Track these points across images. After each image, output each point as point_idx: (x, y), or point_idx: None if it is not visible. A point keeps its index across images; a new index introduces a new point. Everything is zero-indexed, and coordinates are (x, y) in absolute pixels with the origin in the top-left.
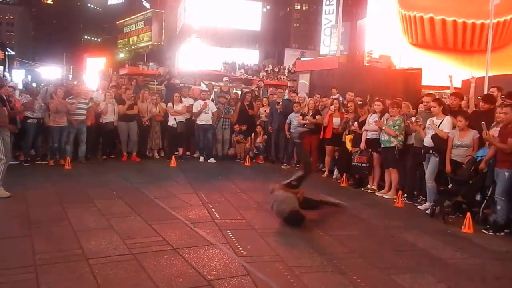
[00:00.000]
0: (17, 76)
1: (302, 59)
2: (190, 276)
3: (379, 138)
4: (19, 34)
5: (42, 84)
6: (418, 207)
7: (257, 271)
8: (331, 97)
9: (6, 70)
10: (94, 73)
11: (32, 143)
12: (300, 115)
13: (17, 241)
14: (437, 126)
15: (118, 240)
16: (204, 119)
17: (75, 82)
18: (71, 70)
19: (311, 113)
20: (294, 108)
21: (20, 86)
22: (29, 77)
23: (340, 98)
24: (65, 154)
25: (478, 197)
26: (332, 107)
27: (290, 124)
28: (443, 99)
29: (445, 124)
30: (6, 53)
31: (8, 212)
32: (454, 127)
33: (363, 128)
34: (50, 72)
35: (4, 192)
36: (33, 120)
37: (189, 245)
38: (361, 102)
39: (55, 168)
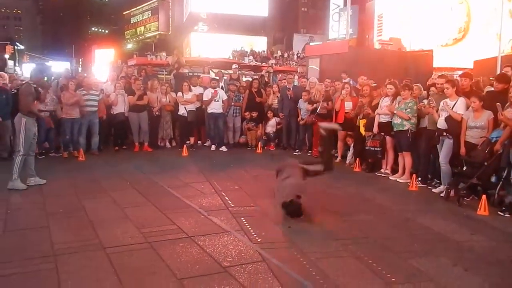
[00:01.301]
0: (28, 70)
1: (311, 44)
2: (206, 263)
3: (391, 121)
4: (27, 28)
5: (53, 77)
6: (433, 190)
7: (272, 257)
8: (342, 81)
9: (17, 64)
10: (103, 64)
11: (46, 135)
12: (308, 103)
13: (35, 232)
14: (451, 108)
15: (134, 229)
16: (215, 107)
17: (85, 74)
18: (80, 63)
19: (322, 100)
20: (303, 97)
21: None
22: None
23: (351, 82)
24: (78, 146)
25: (493, 179)
26: (343, 91)
27: (301, 109)
28: (456, 80)
29: (459, 106)
30: (16, 47)
31: (25, 204)
32: (468, 108)
33: (376, 112)
34: (60, 65)
35: (21, 184)
36: (45, 113)
37: (204, 232)
38: (374, 84)
39: (69, 160)
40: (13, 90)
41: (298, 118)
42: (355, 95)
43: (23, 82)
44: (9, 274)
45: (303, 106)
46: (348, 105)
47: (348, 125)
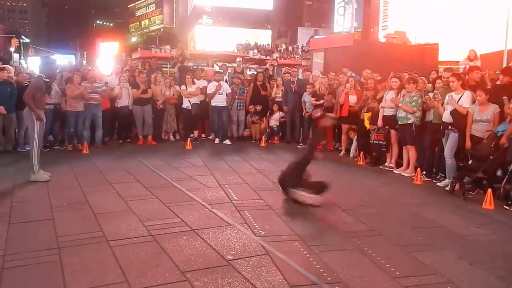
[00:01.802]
0: (33, 64)
1: (316, 37)
2: (210, 256)
3: (396, 115)
4: (33, 21)
5: (58, 71)
6: (437, 184)
7: (276, 250)
8: (346, 75)
9: (22, 57)
10: (107, 58)
11: (50, 128)
12: (312, 97)
13: (40, 225)
14: (456, 101)
15: (138, 222)
16: (219, 101)
17: (89, 67)
18: (85, 56)
19: (327, 93)
20: (307, 90)
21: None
22: None
23: (353, 75)
24: (82, 139)
25: (499, 173)
26: (348, 85)
27: (305, 103)
28: (462, 74)
29: (465, 99)
30: (21, 40)
31: (29, 197)
32: (473, 101)
33: (380, 105)
34: (65, 59)
35: (44, 176)
36: (49, 106)
37: (207, 226)
38: (379, 78)
39: (73, 153)
40: (25, 82)
41: (303, 111)
42: (359, 88)
43: (35, 76)
44: (14, 266)
45: (308, 99)
46: (353, 99)
47: (352, 118)
